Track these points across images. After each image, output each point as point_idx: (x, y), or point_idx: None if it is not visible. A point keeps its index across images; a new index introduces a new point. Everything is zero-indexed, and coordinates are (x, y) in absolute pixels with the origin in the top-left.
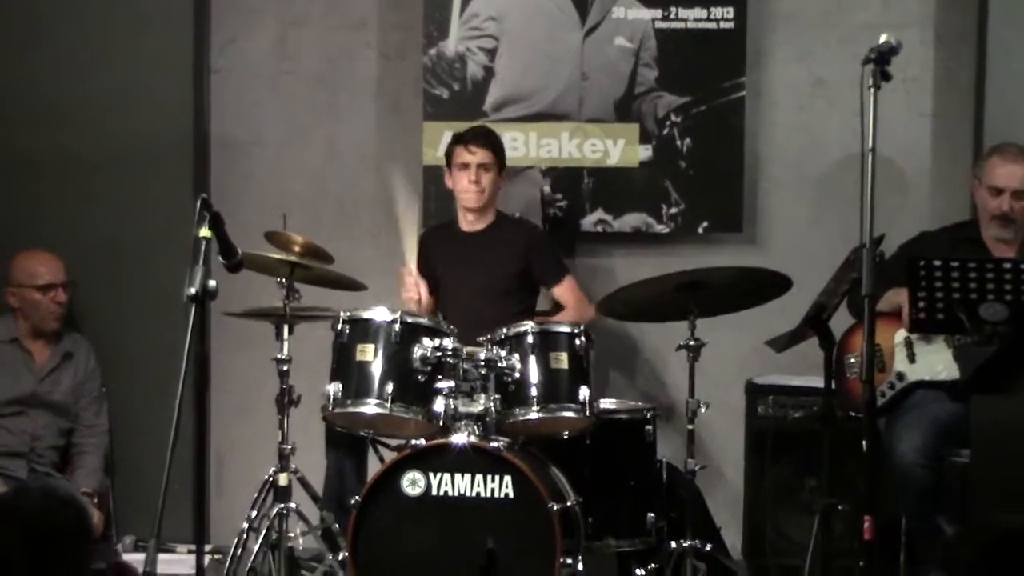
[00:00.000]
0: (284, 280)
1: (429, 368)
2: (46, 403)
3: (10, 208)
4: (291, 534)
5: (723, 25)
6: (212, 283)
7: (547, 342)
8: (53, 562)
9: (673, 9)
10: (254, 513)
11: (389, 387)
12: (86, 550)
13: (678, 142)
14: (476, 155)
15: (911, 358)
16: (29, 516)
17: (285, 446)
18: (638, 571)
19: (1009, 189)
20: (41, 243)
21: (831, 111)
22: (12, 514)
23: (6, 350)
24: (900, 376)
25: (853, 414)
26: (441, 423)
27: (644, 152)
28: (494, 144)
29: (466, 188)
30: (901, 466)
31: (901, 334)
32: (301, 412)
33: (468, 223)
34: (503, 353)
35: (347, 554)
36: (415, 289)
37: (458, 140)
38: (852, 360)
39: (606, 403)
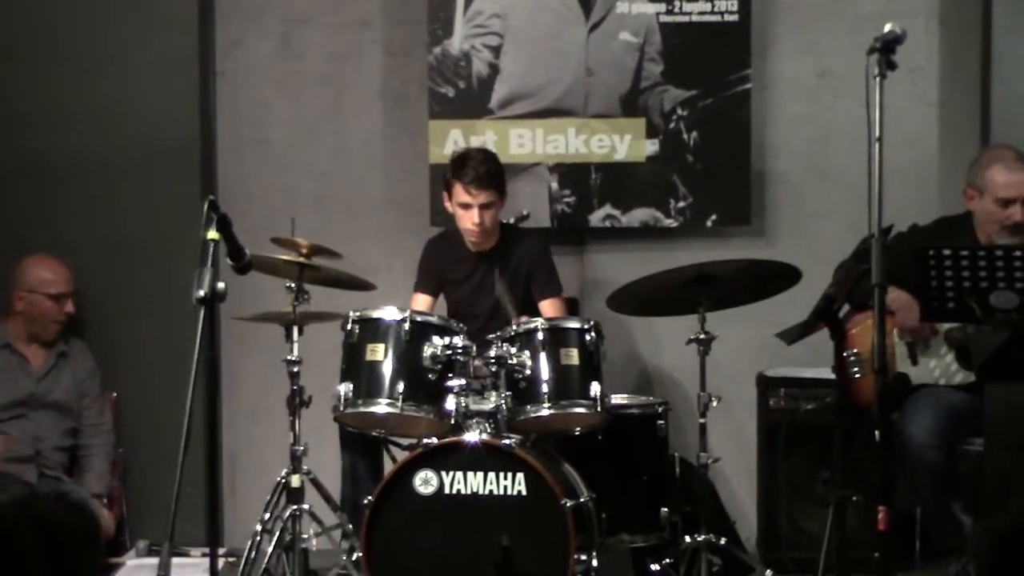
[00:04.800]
0: (293, 283)
1: (439, 366)
2: (47, 403)
3: (16, 210)
4: (305, 535)
5: (727, 18)
6: (221, 285)
7: (557, 338)
8: (67, 566)
9: (677, 3)
10: (267, 515)
11: (400, 386)
12: (98, 556)
13: (685, 136)
14: (477, 198)
15: (913, 359)
16: (43, 520)
17: (297, 447)
18: (653, 566)
19: (1020, 198)
20: (48, 246)
21: (837, 102)
22: (27, 518)
23: None
24: (903, 379)
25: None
26: (453, 421)
27: (651, 147)
28: (495, 179)
29: (469, 228)
30: (913, 449)
31: (898, 332)
32: (313, 413)
33: (473, 244)
34: (513, 350)
35: (361, 554)
36: None
37: (457, 175)
38: (852, 358)
39: (618, 398)
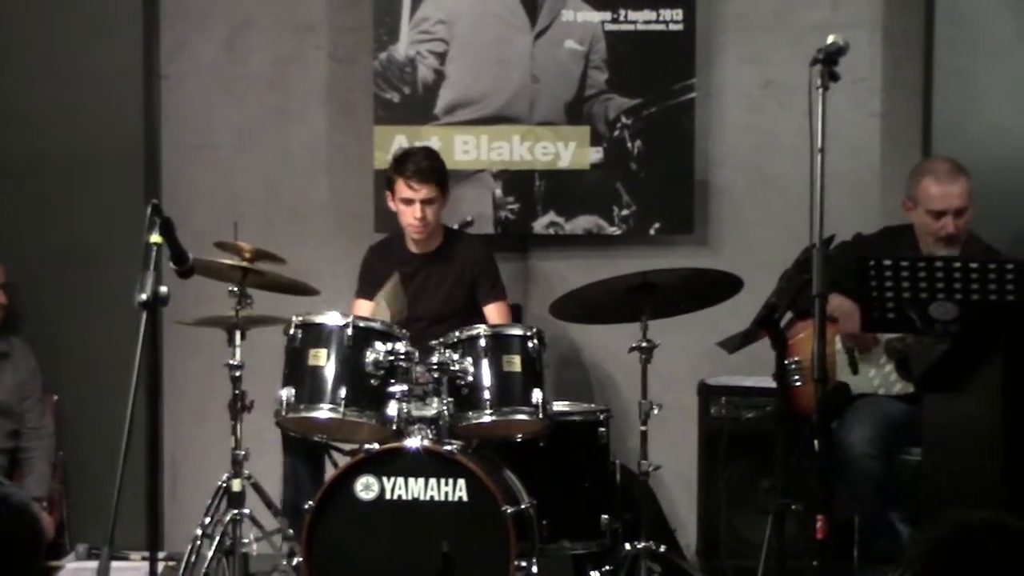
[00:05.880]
0: (236, 287)
1: (382, 372)
2: None
3: None
4: (245, 540)
5: (672, 27)
6: (163, 289)
7: (500, 345)
8: (8, 569)
9: (622, 11)
10: (208, 519)
11: (342, 392)
12: (40, 559)
13: (629, 144)
14: (419, 192)
15: (853, 368)
16: None
17: (239, 452)
18: (593, 573)
19: (951, 210)
20: None
21: (781, 112)
22: None
23: None
24: (843, 388)
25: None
26: (394, 427)
27: (595, 154)
28: (437, 174)
29: (411, 223)
30: (852, 458)
31: (840, 340)
32: (255, 417)
33: (416, 245)
34: (456, 356)
35: (301, 559)
36: None
37: (399, 171)
38: (793, 366)
39: (559, 405)
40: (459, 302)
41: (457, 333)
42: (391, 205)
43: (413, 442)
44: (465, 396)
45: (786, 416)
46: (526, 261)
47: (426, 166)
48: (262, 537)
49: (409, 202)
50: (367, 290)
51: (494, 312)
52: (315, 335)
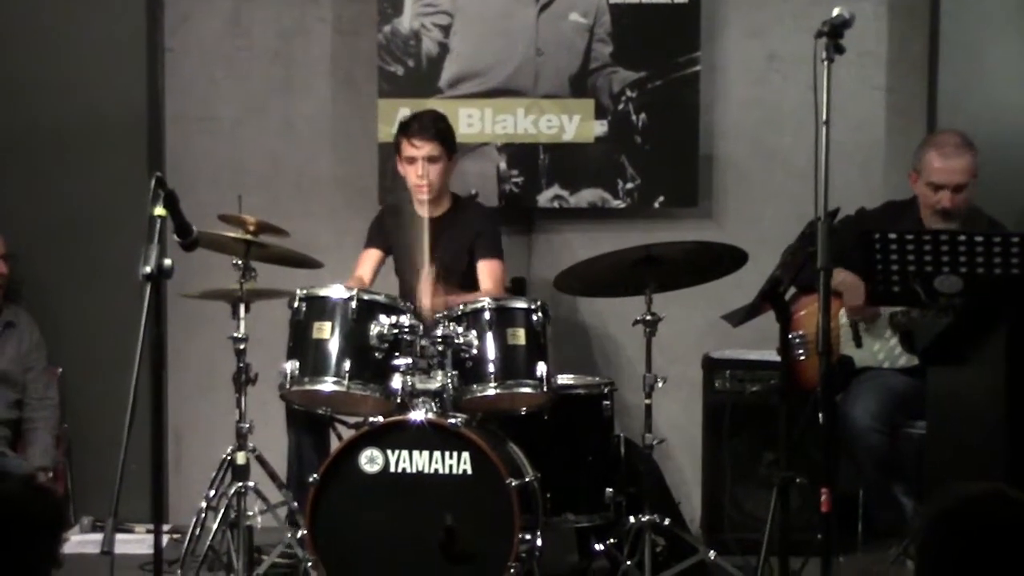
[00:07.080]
0: (240, 260)
1: (386, 345)
2: None
3: None
4: (249, 512)
5: (677, 0)
6: (167, 262)
7: (504, 318)
8: (27, 548)
9: None
10: (212, 492)
11: (346, 364)
12: (59, 539)
13: (633, 117)
14: (421, 149)
15: (858, 341)
16: (8, 503)
17: (243, 424)
18: (597, 546)
19: (950, 185)
20: None
21: (786, 85)
22: None
23: None
24: (847, 361)
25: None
26: (399, 400)
27: (599, 128)
28: (441, 133)
29: (415, 182)
30: (856, 431)
31: (845, 314)
32: (259, 390)
33: (423, 209)
34: (460, 329)
35: (306, 532)
36: None
37: (403, 131)
38: (797, 340)
39: (564, 379)
40: (463, 265)
41: (461, 306)
42: (400, 170)
43: (417, 415)
44: (469, 369)
45: (790, 390)
46: (530, 234)
47: (429, 123)
48: (266, 510)
49: (412, 160)
50: (375, 241)
51: (485, 269)
52: (319, 308)
